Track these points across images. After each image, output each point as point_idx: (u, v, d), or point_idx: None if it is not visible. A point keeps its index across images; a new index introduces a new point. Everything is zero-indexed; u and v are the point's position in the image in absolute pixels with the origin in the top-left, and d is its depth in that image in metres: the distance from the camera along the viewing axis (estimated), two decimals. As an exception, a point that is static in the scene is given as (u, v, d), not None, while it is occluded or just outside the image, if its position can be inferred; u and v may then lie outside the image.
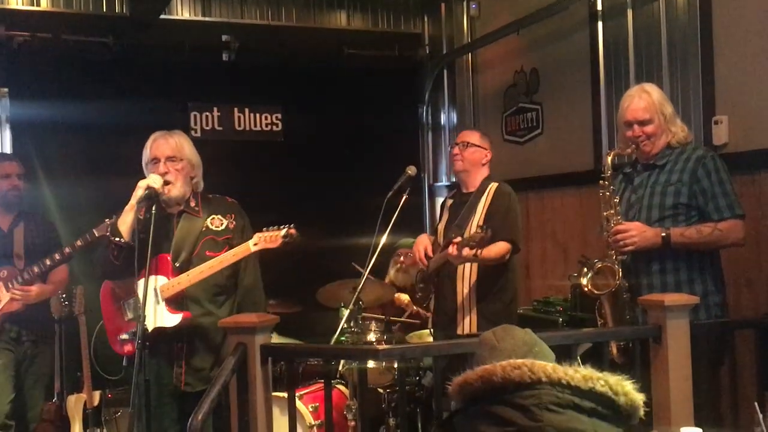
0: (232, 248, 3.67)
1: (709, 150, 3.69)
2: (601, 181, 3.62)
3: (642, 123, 3.57)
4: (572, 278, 4.70)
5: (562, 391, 1.71)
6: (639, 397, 1.74)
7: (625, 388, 1.73)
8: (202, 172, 3.88)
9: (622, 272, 3.48)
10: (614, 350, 3.44)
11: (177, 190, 3.72)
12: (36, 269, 4.36)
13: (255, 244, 3.58)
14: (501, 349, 1.89)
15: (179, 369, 3.67)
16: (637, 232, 3.45)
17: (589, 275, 3.52)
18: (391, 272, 5.67)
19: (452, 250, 3.86)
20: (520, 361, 1.76)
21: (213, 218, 3.80)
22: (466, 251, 3.79)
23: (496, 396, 1.75)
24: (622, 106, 3.67)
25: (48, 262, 4.33)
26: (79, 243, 4.21)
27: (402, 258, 5.61)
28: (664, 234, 3.40)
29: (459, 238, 3.90)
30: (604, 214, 3.57)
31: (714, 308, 3.48)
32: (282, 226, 3.59)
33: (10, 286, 4.37)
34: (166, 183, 3.68)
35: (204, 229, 3.76)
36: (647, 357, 3.24)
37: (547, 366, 1.74)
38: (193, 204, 3.80)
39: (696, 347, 3.22)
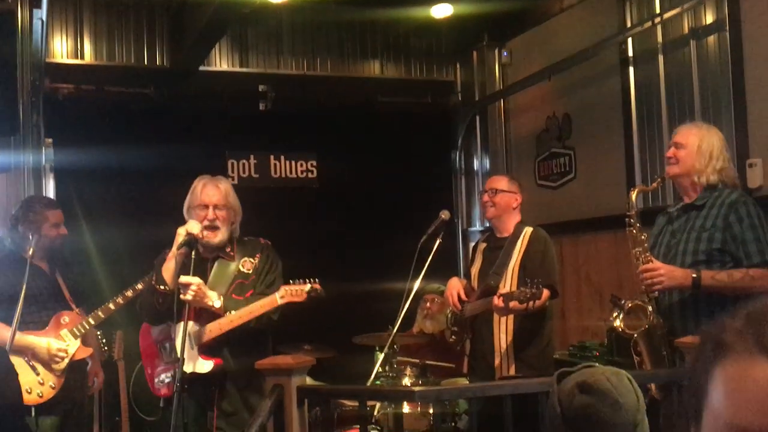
0: (255, 289, 3.73)
1: (744, 194, 3.66)
2: (627, 219, 3.64)
3: (677, 146, 3.61)
4: (608, 322, 4.68)
5: None
6: None
7: None
8: (240, 218, 3.96)
9: (655, 309, 3.47)
10: (653, 387, 3.40)
11: (221, 235, 3.80)
12: (92, 320, 4.36)
13: (282, 297, 3.65)
14: (626, 408, 1.80)
15: (211, 413, 3.72)
16: (665, 271, 3.43)
17: (621, 316, 3.51)
18: (419, 319, 5.67)
19: (498, 302, 3.88)
20: None
21: (244, 261, 3.87)
22: (514, 304, 3.81)
23: None
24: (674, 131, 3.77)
25: (101, 314, 4.34)
26: (129, 293, 4.26)
27: (428, 304, 5.63)
28: (694, 275, 3.38)
29: (506, 290, 3.92)
30: (633, 251, 3.58)
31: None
32: (308, 280, 3.66)
33: (77, 332, 4.32)
34: (214, 229, 3.77)
35: (236, 273, 3.83)
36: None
37: None
38: (228, 249, 3.88)
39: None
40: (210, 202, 3.80)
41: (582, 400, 1.82)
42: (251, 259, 3.86)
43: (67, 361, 4.28)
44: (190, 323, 3.73)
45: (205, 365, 3.69)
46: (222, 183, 3.92)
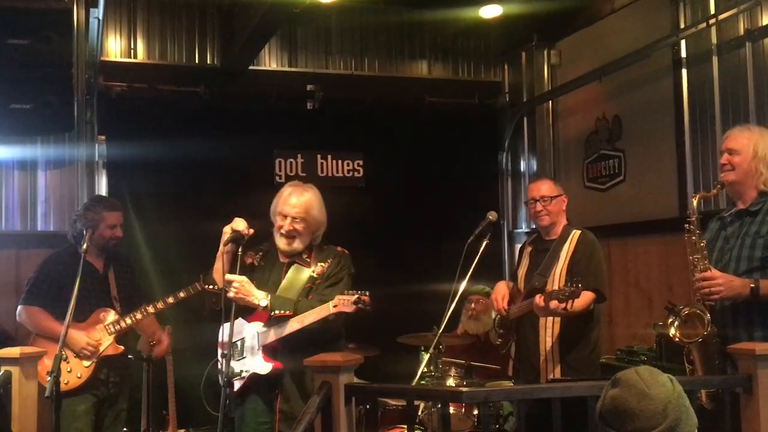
0: (317, 289, 3.76)
1: None
2: (686, 225, 3.57)
3: (731, 152, 3.54)
4: (658, 327, 4.60)
5: None
6: None
7: None
8: (324, 228, 3.99)
9: (711, 317, 3.40)
10: (704, 397, 3.34)
11: (296, 244, 3.87)
12: (129, 321, 4.53)
13: (335, 306, 3.65)
14: (653, 397, 1.83)
15: (273, 416, 3.78)
16: (723, 281, 3.37)
17: (677, 323, 3.44)
18: (463, 320, 5.65)
19: (539, 301, 3.84)
20: None
21: (318, 266, 3.91)
22: (554, 304, 3.77)
23: None
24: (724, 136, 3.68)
25: (139, 316, 4.53)
26: (170, 300, 4.46)
27: (473, 305, 5.59)
28: (752, 285, 3.32)
29: (547, 290, 3.88)
30: (690, 258, 3.52)
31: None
32: (357, 292, 3.65)
33: (112, 329, 4.50)
34: (290, 237, 3.82)
35: (309, 278, 3.87)
36: (737, 408, 3.14)
37: None
38: (305, 255, 3.93)
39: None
40: (289, 214, 3.85)
41: (611, 393, 1.89)
42: (322, 264, 3.91)
43: (96, 355, 4.45)
44: (260, 324, 3.82)
45: (265, 367, 3.75)
46: (306, 194, 3.93)
